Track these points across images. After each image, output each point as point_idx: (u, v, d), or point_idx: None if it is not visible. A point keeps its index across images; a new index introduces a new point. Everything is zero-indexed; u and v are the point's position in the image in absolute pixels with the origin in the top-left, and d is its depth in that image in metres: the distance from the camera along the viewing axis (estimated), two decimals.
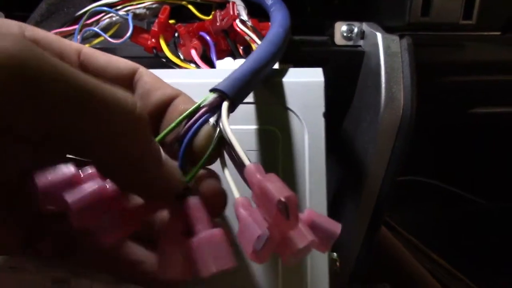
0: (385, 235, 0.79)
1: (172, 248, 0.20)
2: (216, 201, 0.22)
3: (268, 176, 0.19)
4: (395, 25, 0.45)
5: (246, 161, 0.20)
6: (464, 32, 0.47)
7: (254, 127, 0.29)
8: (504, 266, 0.86)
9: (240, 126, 0.29)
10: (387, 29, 0.45)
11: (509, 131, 0.89)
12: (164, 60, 0.38)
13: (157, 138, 0.21)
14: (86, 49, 0.24)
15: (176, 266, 0.20)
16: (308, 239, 0.18)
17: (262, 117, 0.29)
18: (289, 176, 0.28)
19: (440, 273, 0.76)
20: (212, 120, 0.22)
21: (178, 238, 0.20)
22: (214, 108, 0.22)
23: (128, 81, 0.24)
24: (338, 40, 0.46)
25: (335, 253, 0.30)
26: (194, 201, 0.21)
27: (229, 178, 0.21)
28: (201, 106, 0.22)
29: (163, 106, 0.23)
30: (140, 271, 0.23)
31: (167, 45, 0.38)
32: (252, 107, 0.29)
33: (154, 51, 0.38)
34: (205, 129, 0.22)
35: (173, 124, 0.22)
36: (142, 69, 0.25)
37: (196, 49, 0.37)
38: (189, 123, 0.22)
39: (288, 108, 0.29)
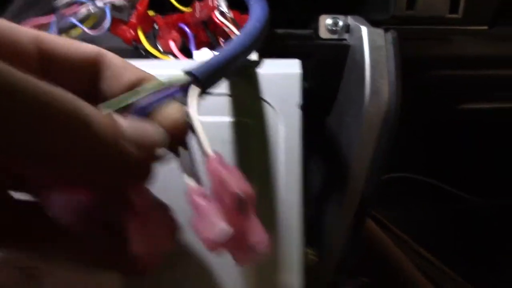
0: (375, 232, 0.78)
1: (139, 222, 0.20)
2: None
3: (230, 168, 0.19)
4: (381, 19, 0.45)
5: (209, 150, 0.20)
6: (450, 26, 0.47)
7: (228, 118, 0.28)
8: (495, 263, 0.86)
9: (214, 118, 0.28)
10: (373, 23, 0.44)
11: (498, 127, 0.89)
12: (143, 52, 0.37)
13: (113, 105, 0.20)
14: (45, 36, 0.23)
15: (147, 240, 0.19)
16: (262, 236, 0.18)
17: (237, 108, 0.28)
18: (264, 168, 0.28)
19: (430, 269, 0.76)
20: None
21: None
22: (183, 90, 0.22)
23: (92, 66, 0.23)
24: (323, 33, 0.45)
25: (310, 248, 0.30)
26: None
27: (185, 165, 0.20)
28: (170, 84, 0.21)
29: (133, 88, 0.23)
30: (114, 257, 0.23)
31: (146, 37, 0.37)
32: (227, 99, 0.29)
33: (134, 43, 0.38)
34: (172, 103, 0.21)
35: (134, 95, 0.21)
36: (106, 52, 0.24)
37: (175, 41, 0.36)
38: (154, 97, 0.21)
39: (263, 100, 0.28)
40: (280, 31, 0.45)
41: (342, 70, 0.47)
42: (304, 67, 0.48)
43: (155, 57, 0.36)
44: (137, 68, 0.24)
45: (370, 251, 0.73)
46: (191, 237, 0.26)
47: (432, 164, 1.01)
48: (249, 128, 0.28)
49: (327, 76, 0.47)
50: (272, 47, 0.45)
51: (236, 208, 0.17)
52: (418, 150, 1.03)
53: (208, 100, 0.28)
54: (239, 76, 0.29)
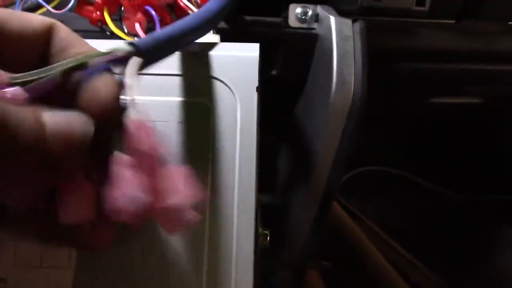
0: (346, 222, 0.79)
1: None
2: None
3: (149, 131, 0.19)
4: (349, 9, 0.45)
5: (135, 116, 0.20)
6: (417, 19, 0.48)
7: (184, 99, 0.29)
8: (465, 257, 0.88)
9: (171, 98, 0.29)
10: (342, 13, 0.45)
11: (469, 122, 0.91)
12: (108, 34, 0.37)
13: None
14: None
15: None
16: (182, 194, 0.18)
17: (194, 89, 0.29)
18: (219, 148, 0.28)
19: (399, 260, 0.77)
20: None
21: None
22: (125, 62, 0.21)
23: (42, 39, 0.23)
24: (292, 22, 0.46)
25: (264, 228, 0.30)
26: None
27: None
28: (106, 54, 0.21)
29: None
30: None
31: (112, 18, 0.37)
32: (184, 79, 0.29)
33: (99, 24, 0.38)
34: (104, 75, 0.21)
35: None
36: (58, 24, 0.24)
37: (140, 23, 0.36)
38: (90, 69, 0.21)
39: (221, 81, 0.29)
40: (249, 17, 0.45)
41: (310, 59, 0.47)
42: (274, 54, 0.49)
43: (121, 38, 0.36)
44: (85, 43, 0.23)
45: (339, 239, 0.74)
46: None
47: (407, 158, 1.03)
48: (206, 108, 0.28)
49: (295, 64, 0.48)
50: (241, 33, 0.45)
51: (152, 167, 0.17)
52: (396, 144, 1.04)
53: (161, 80, 0.29)
54: (197, 57, 0.29)
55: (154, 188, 0.18)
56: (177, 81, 0.29)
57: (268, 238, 0.30)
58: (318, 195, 0.47)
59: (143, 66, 0.22)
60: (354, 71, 0.43)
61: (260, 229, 0.29)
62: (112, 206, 0.18)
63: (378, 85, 0.47)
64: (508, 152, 0.96)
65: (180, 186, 0.19)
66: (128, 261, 0.27)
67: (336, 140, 0.45)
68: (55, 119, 0.19)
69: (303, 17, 0.46)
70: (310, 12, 0.46)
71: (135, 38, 0.36)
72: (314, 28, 0.46)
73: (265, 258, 0.32)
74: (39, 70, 0.20)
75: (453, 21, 0.50)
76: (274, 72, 0.49)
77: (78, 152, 0.20)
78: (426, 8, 0.45)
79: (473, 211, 0.98)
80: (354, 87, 0.43)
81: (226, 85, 0.29)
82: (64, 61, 0.20)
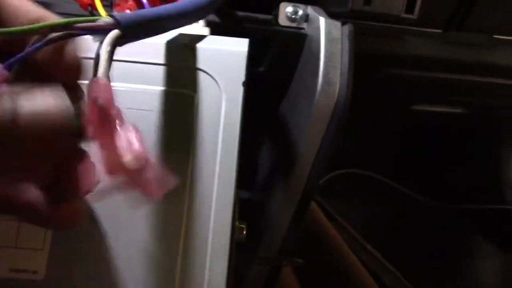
0: (322, 222, 0.80)
1: None
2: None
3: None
4: (339, 11, 0.46)
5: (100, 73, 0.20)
6: (405, 26, 0.48)
7: (170, 89, 0.29)
8: (436, 264, 0.89)
9: (157, 87, 0.29)
10: (332, 15, 0.45)
11: (451, 131, 0.92)
12: None
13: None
14: None
15: None
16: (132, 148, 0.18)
17: (180, 80, 0.29)
18: (201, 139, 0.28)
19: (372, 262, 0.78)
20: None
21: None
22: (103, 32, 0.21)
23: None
24: (282, 20, 0.46)
25: (241, 222, 0.31)
26: None
27: None
28: (88, 21, 0.21)
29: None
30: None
31: (103, 4, 0.37)
32: (171, 69, 0.29)
33: (89, 8, 0.37)
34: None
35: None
36: None
37: (130, 10, 0.36)
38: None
39: (208, 74, 0.29)
40: (241, 13, 0.45)
41: (298, 59, 0.48)
42: (262, 52, 0.49)
43: None
44: (38, 8, 0.22)
45: (316, 239, 0.75)
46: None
47: (386, 162, 1.04)
48: (191, 100, 0.29)
49: (283, 62, 0.48)
50: (232, 28, 0.45)
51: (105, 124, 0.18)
52: (376, 149, 1.05)
53: (148, 68, 0.29)
54: (185, 48, 0.29)
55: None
56: (163, 71, 0.29)
57: (245, 232, 0.30)
58: (297, 193, 0.48)
59: (121, 40, 0.22)
60: (340, 73, 0.44)
61: (237, 223, 0.29)
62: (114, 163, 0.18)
63: (362, 89, 0.47)
64: (480, 163, 0.97)
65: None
66: (102, 245, 0.27)
67: (318, 140, 0.45)
68: (30, 108, 0.19)
69: (293, 16, 0.46)
70: (300, 12, 0.46)
71: None
72: (303, 28, 0.47)
73: (241, 252, 0.32)
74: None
75: (440, 31, 0.51)
76: (261, 69, 0.49)
77: (60, 138, 0.20)
78: (414, 16, 0.46)
79: (446, 219, 0.99)
80: (339, 89, 0.44)
81: (212, 78, 0.29)
82: (49, 22, 0.20)
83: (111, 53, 0.21)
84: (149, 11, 0.25)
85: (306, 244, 0.72)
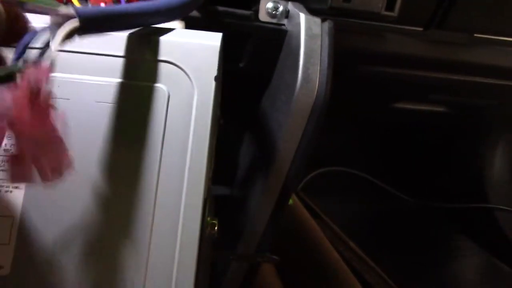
0: (305, 219, 0.80)
1: None
2: None
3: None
4: (319, 8, 0.46)
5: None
6: (385, 23, 0.48)
7: (141, 82, 0.28)
8: (418, 262, 0.90)
9: (126, 80, 0.28)
10: (312, 11, 0.45)
11: (432, 130, 0.93)
12: None
13: None
14: None
15: None
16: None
17: (151, 73, 0.28)
18: (172, 133, 0.28)
19: (354, 260, 0.79)
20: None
21: None
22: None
23: None
24: (262, 16, 0.46)
25: (212, 218, 0.31)
26: None
27: None
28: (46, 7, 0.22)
29: None
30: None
31: None
32: (142, 62, 0.29)
33: (64, 1, 0.37)
34: None
35: None
36: None
37: (105, 3, 0.36)
38: None
39: (179, 67, 0.29)
40: (221, 8, 0.45)
41: (278, 55, 0.48)
42: (242, 47, 0.49)
43: None
44: None
45: (299, 235, 0.75)
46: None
47: (369, 160, 1.04)
48: (162, 94, 0.28)
49: (263, 58, 0.48)
50: (211, 22, 0.45)
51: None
52: (361, 147, 1.06)
53: (116, 61, 0.28)
54: (157, 41, 0.29)
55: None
56: (133, 64, 0.28)
57: (216, 227, 0.30)
58: (276, 190, 0.48)
59: (80, 31, 0.22)
60: (320, 69, 0.44)
61: (208, 218, 0.29)
62: None
63: (342, 86, 0.47)
64: (463, 162, 0.98)
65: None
66: (68, 239, 0.27)
67: (298, 136, 0.45)
68: None
69: (273, 12, 0.46)
70: (281, 8, 0.46)
71: None
72: (283, 24, 0.46)
73: (221, 249, 0.32)
74: None
75: (420, 29, 0.51)
76: (241, 65, 0.49)
77: None
78: (395, 13, 0.45)
79: (429, 217, 1.00)
80: (318, 85, 0.43)
81: (184, 72, 0.29)
82: None
83: (62, 41, 0.21)
84: (115, 7, 0.25)
85: (289, 241, 0.72)
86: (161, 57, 0.29)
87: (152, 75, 0.28)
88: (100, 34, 0.25)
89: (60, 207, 0.27)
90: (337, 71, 0.44)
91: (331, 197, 0.98)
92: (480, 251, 0.93)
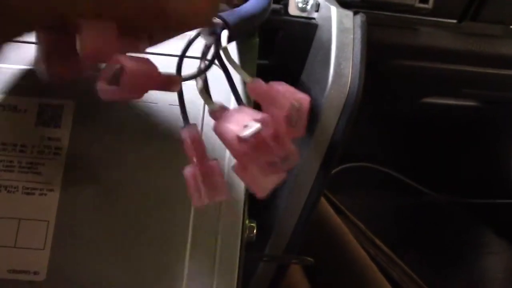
0: (331, 217, 0.79)
1: None
2: None
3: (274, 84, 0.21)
4: (351, 1, 0.44)
5: (248, 78, 0.21)
6: (419, 16, 0.47)
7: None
8: (444, 258, 0.88)
9: None
10: (343, 4, 0.44)
11: (462, 125, 0.91)
12: None
13: None
14: None
15: None
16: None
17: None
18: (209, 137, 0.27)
19: (381, 258, 0.77)
20: None
21: None
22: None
23: None
24: (292, 10, 0.45)
25: (250, 221, 0.30)
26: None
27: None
28: None
29: None
30: None
31: None
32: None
33: None
34: None
35: None
36: None
37: None
38: None
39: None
40: None
41: (308, 49, 0.46)
42: (270, 42, 0.47)
43: None
44: None
45: (324, 234, 0.74)
46: None
47: (395, 156, 1.03)
48: None
49: (293, 53, 0.47)
50: None
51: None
52: (385, 142, 1.04)
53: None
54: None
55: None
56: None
57: (255, 231, 0.29)
58: (306, 189, 0.46)
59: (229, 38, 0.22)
60: (352, 64, 0.42)
61: (247, 221, 0.28)
62: None
63: (373, 81, 0.46)
64: (491, 156, 0.96)
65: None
66: (106, 246, 0.26)
67: (329, 133, 0.44)
68: None
69: (303, 6, 0.45)
70: (311, 1, 0.45)
71: None
72: (314, 18, 0.45)
73: (248, 249, 0.31)
74: None
75: (455, 21, 0.49)
76: (270, 61, 0.48)
77: None
78: (429, 5, 0.44)
79: (456, 213, 0.98)
80: (351, 81, 0.42)
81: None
82: None
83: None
84: (247, 9, 0.25)
85: (314, 239, 0.71)
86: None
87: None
88: None
89: (96, 210, 0.26)
90: (369, 65, 0.43)
91: (355, 193, 0.96)
92: (510, 248, 0.91)
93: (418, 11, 0.45)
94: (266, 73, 0.48)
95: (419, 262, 0.81)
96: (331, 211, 0.82)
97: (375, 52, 0.44)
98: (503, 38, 0.52)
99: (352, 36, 0.43)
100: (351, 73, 0.42)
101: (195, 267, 0.26)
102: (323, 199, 0.84)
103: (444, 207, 0.98)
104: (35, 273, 0.25)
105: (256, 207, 0.54)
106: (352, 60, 0.42)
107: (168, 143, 0.27)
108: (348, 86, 0.42)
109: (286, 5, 0.44)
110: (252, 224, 0.29)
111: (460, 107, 0.69)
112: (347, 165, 0.98)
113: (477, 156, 0.98)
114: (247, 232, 0.28)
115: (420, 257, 0.84)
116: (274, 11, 0.44)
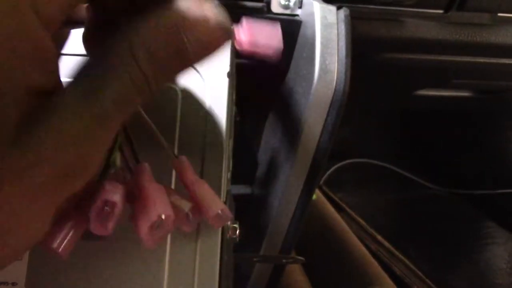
0: (331, 214, 0.79)
1: None
2: None
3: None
4: None
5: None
6: (404, 8, 0.46)
7: None
8: (447, 251, 0.88)
9: None
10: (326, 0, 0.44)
11: (457, 116, 0.90)
12: None
13: None
14: None
15: None
16: None
17: None
18: (186, 134, 0.27)
19: (382, 253, 0.77)
20: None
21: None
22: None
23: None
24: (275, 7, 0.44)
25: (233, 222, 0.29)
26: None
27: None
28: None
29: None
30: None
31: None
32: None
33: None
34: None
35: None
36: None
37: None
38: None
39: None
40: (230, 1, 0.43)
41: (293, 46, 0.46)
42: None
43: None
44: None
45: (324, 231, 0.74)
46: None
47: (392, 151, 1.02)
48: (174, 93, 0.27)
49: None
50: None
51: None
52: (383, 137, 1.04)
53: None
54: None
55: None
56: None
57: (238, 231, 0.28)
58: (298, 187, 0.46)
59: None
60: (337, 59, 0.42)
61: (228, 223, 0.28)
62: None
63: (362, 75, 0.45)
64: (490, 146, 0.95)
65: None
66: (83, 251, 0.26)
67: (318, 130, 0.44)
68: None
69: (286, 3, 0.44)
70: None
71: None
72: (297, 15, 0.45)
73: (242, 251, 0.30)
74: None
75: (441, 11, 0.49)
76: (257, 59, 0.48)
77: None
78: None
79: (457, 205, 0.97)
80: (337, 76, 0.42)
81: (196, 70, 0.27)
82: None
83: None
84: None
85: (314, 237, 0.71)
86: None
87: None
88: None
89: None
90: (356, 60, 0.42)
91: (354, 190, 0.96)
92: (510, 237, 0.90)
93: (403, 2, 0.44)
94: (253, 73, 0.48)
95: (421, 256, 0.81)
96: (330, 208, 0.82)
97: (361, 46, 0.44)
98: (491, 27, 0.51)
99: (336, 31, 0.42)
100: (337, 69, 0.42)
101: (176, 268, 0.25)
102: (322, 197, 0.84)
103: (445, 199, 0.98)
104: (13, 283, 0.25)
105: (251, 207, 0.54)
106: (338, 55, 0.42)
107: None
108: (335, 81, 0.42)
109: (269, 3, 0.44)
110: (234, 225, 0.28)
111: (454, 98, 0.69)
112: (345, 162, 0.98)
113: (476, 147, 0.97)
114: (229, 233, 0.28)
115: (422, 251, 0.84)
116: (257, 10, 0.44)
